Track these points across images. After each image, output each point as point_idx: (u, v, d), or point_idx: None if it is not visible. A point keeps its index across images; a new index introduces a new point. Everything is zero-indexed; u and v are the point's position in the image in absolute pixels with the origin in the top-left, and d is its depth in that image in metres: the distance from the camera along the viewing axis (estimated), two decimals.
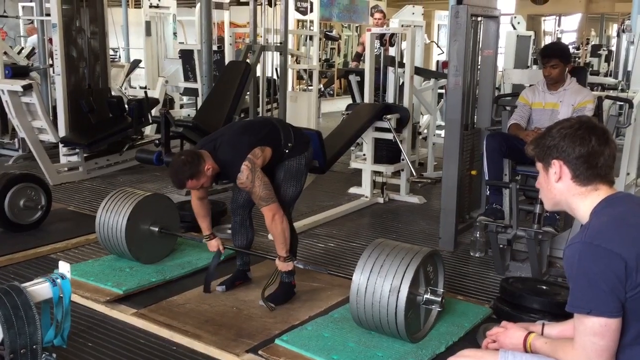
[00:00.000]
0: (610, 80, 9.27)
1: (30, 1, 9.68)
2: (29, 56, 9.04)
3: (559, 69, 3.92)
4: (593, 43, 16.45)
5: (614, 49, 12.29)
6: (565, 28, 19.56)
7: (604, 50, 13.77)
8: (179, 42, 10.51)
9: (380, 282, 2.73)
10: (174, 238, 3.98)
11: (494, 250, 3.82)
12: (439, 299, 2.83)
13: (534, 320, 2.56)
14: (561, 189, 1.74)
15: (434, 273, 2.96)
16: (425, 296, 2.84)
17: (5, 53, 7.76)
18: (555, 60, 3.92)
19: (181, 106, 9.54)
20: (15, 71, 7.24)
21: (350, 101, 7.35)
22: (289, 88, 7.71)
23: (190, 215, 4.49)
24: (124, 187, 4.52)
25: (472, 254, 4.22)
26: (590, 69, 12.08)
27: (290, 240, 3.25)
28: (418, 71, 6.57)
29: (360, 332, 2.95)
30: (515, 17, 10.06)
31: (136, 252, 3.71)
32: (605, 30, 20.75)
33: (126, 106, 6.44)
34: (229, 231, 4.46)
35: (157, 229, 3.78)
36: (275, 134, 3.23)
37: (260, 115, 6.39)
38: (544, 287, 3.25)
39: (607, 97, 5.27)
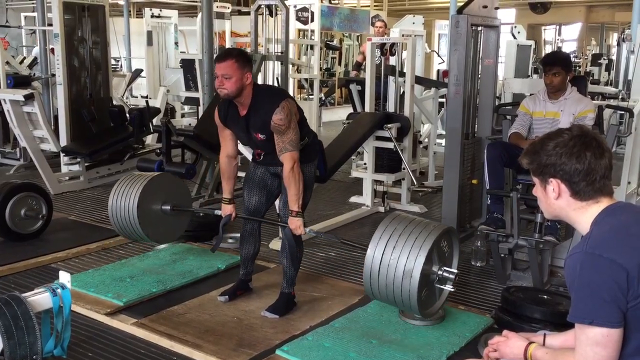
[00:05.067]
0: (610, 89, 9.28)
1: (33, 11, 9.73)
2: (31, 66, 9.08)
3: (561, 77, 3.93)
4: (593, 52, 16.48)
5: (614, 58, 12.32)
6: (565, 37, 19.63)
7: (604, 59, 13.79)
8: (181, 52, 10.54)
9: (394, 262, 2.67)
10: (187, 215, 3.95)
11: (495, 259, 3.82)
12: (453, 277, 2.78)
13: (535, 330, 2.55)
14: (561, 205, 1.73)
15: (449, 250, 2.90)
16: (438, 273, 2.78)
17: (7, 63, 7.79)
18: (558, 68, 3.93)
19: (182, 115, 9.56)
20: (17, 81, 7.27)
21: (351, 110, 7.36)
22: None
23: (195, 223, 4.53)
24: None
25: (473, 263, 4.21)
26: (591, 78, 12.09)
27: (298, 251, 3.34)
28: (419, 80, 6.58)
29: (361, 342, 2.94)
30: (515, 27, 10.09)
31: (152, 233, 3.67)
32: (606, 40, 20.82)
33: (127, 115, 6.45)
34: (230, 240, 4.48)
35: (169, 208, 3.72)
36: (303, 121, 3.24)
37: None
38: (546, 297, 3.24)
39: (608, 106, 5.28)
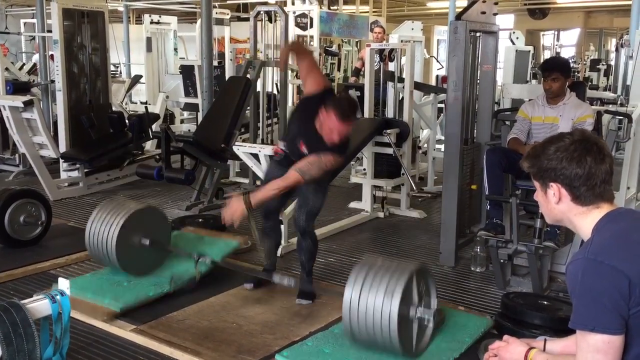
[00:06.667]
0: (609, 94, 9.29)
1: (32, 17, 9.75)
2: (30, 72, 9.09)
3: (560, 83, 3.94)
4: (592, 58, 16.52)
5: (612, 63, 12.36)
6: (564, 43, 19.65)
7: (602, 64, 13.83)
8: (180, 58, 10.55)
9: (372, 302, 2.65)
10: (165, 253, 3.86)
11: (494, 265, 3.81)
12: (431, 316, 2.76)
13: (535, 335, 2.55)
14: (562, 209, 1.73)
15: (426, 289, 2.87)
16: (417, 314, 2.75)
17: (6, 69, 7.80)
18: (556, 73, 3.94)
19: (182, 121, 9.56)
20: (17, 87, 7.28)
21: None
22: (290, 103, 7.73)
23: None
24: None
25: (472, 268, 4.20)
26: (590, 83, 12.12)
27: (313, 250, 3.60)
28: (418, 86, 6.59)
29: (361, 347, 2.93)
30: (514, 33, 10.12)
31: (127, 266, 3.62)
32: (604, 45, 20.85)
33: (127, 121, 6.45)
34: None
35: (147, 242, 3.66)
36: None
37: (260, 130, 6.39)
38: (545, 303, 3.24)
39: (607, 111, 5.27)
